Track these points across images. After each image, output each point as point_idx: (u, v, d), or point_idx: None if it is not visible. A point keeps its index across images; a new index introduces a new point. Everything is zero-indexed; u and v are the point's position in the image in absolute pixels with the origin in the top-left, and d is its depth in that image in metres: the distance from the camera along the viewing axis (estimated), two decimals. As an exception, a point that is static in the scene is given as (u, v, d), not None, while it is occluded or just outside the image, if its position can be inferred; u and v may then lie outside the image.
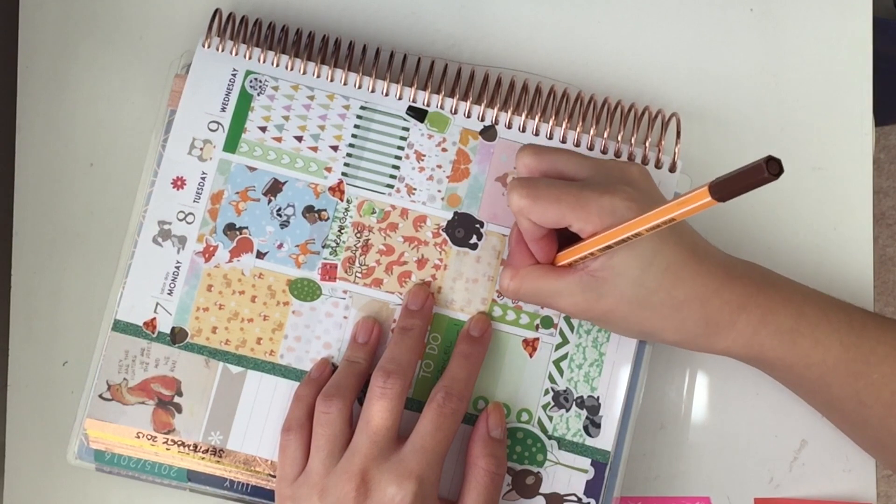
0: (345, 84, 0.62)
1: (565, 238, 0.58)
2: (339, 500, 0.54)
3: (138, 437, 0.59)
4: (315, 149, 0.61)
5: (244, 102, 0.61)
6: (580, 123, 0.63)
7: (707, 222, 0.66)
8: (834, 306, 0.59)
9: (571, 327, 0.61)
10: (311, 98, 0.62)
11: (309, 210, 0.61)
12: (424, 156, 0.62)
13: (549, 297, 0.57)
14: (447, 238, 0.61)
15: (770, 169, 0.41)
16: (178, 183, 0.61)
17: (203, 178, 0.61)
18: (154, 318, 0.60)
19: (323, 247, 0.61)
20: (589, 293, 0.56)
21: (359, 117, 0.62)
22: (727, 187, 0.43)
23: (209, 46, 0.62)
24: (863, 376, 0.57)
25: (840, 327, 0.57)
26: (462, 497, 0.57)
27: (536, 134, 0.62)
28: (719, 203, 0.44)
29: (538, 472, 0.60)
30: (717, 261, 0.57)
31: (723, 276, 0.57)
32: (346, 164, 0.62)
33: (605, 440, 0.61)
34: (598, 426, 0.61)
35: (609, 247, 0.53)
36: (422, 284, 0.61)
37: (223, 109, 0.61)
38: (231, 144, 0.61)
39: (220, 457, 0.60)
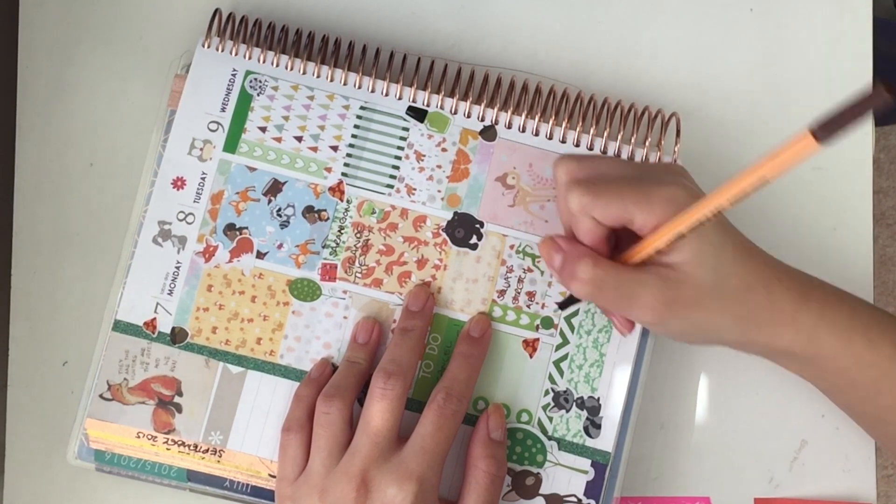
0: (344, 84, 0.62)
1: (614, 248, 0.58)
2: (339, 500, 0.54)
3: (138, 437, 0.60)
4: (315, 149, 0.61)
5: (244, 102, 0.61)
6: (580, 123, 0.63)
7: (707, 222, 0.66)
8: (880, 310, 0.58)
9: (572, 328, 0.61)
10: (311, 98, 0.62)
11: (309, 210, 0.61)
12: (424, 156, 0.62)
13: (631, 290, 0.55)
14: (447, 238, 0.61)
15: (890, 90, 0.38)
16: (179, 183, 0.61)
17: (203, 179, 0.61)
18: (154, 319, 0.60)
19: (323, 247, 0.61)
20: (670, 284, 0.54)
21: (358, 117, 0.62)
22: (832, 125, 0.40)
23: (209, 46, 0.62)
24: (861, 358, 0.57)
25: (890, 329, 0.57)
26: (462, 498, 0.57)
27: (536, 134, 0.62)
28: (820, 148, 0.40)
29: (538, 473, 0.60)
30: (767, 254, 0.58)
31: (780, 265, 0.57)
32: (346, 165, 0.62)
33: (605, 441, 0.61)
34: (598, 427, 0.61)
35: (682, 235, 0.52)
36: (422, 285, 0.61)
37: (223, 109, 0.61)
38: (231, 144, 0.61)
39: (220, 457, 0.60)
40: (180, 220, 0.61)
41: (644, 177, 0.56)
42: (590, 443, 0.60)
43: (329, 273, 0.61)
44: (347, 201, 0.61)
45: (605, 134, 0.62)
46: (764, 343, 0.57)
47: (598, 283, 0.55)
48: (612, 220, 0.55)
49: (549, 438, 0.60)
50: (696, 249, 0.54)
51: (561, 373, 0.61)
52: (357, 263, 0.61)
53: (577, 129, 0.63)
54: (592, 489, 0.60)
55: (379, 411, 0.55)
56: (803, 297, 0.56)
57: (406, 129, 0.62)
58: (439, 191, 0.62)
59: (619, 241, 0.58)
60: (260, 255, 0.61)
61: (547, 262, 0.58)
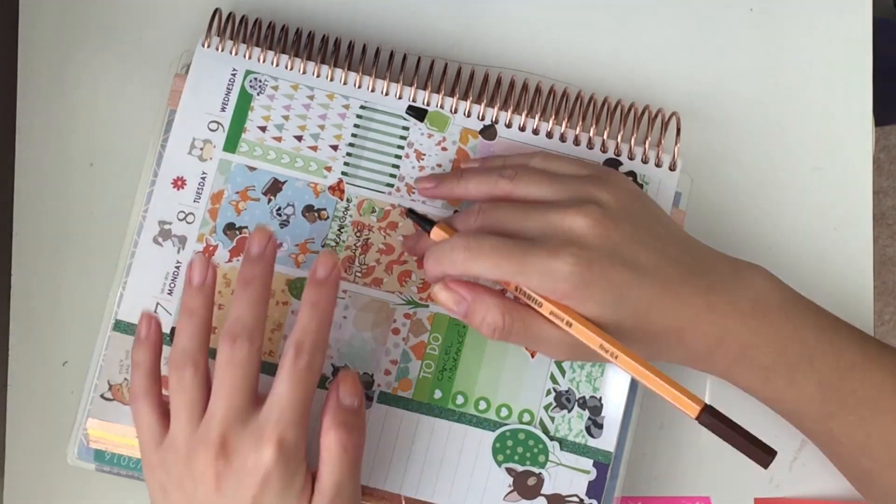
0: (344, 83, 0.62)
1: None
2: (202, 468, 0.52)
3: (139, 437, 0.59)
4: (315, 148, 0.61)
5: (244, 102, 0.61)
6: (580, 123, 0.63)
7: (706, 223, 0.66)
8: (824, 341, 0.57)
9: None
10: (311, 97, 0.62)
11: (309, 209, 0.61)
12: (424, 155, 0.62)
13: (538, 336, 0.56)
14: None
15: (761, 460, 0.49)
16: (179, 183, 0.61)
17: (203, 178, 0.61)
18: (154, 318, 0.60)
19: (323, 246, 0.61)
20: (573, 341, 0.55)
21: (358, 117, 0.62)
22: (718, 422, 0.49)
23: (209, 46, 0.62)
24: (836, 416, 0.57)
25: (822, 368, 0.56)
26: (317, 472, 0.54)
27: (536, 133, 0.62)
28: (696, 420, 0.49)
29: (540, 473, 0.60)
30: (695, 289, 0.56)
31: (700, 308, 0.55)
32: (346, 164, 0.62)
33: (607, 441, 0.61)
34: (600, 427, 0.61)
35: (568, 322, 0.54)
36: (262, 225, 0.58)
37: (223, 109, 0.61)
38: (231, 144, 0.61)
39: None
40: (180, 220, 0.61)
41: (543, 238, 0.55)
42: (592, 443, 0.60)
43: (329, 272, 0.61)
44: (347, 200, 0.61)
45: (605, 133, 0.63)
46: (694, 367, 0.58)
47: (506, 332, 0.56)
48: (489, 280, 0.56)
49: (551, 438, 0.60)
50: (592, 314, 0.54)
51: (563, 372, 0.61)
52: (357, 262, 0.61)
53: (577, 128, 0.63)
54: (594, 489, 0.60)
55: (229, 377, 0.53)
56: (720, 341, 0.56)
57: (406, 129, 0.62)
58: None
59: None
60: (260, 255, 0.61)
61: (447, 309, 0.57)
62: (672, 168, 0.62)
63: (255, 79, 0.62)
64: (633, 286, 0.54)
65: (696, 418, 0.48)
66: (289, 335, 0.54)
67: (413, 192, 0.62)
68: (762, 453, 0.51)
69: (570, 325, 0.54)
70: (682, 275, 0.56)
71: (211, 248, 0.61)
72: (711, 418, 0.48)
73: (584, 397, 0.61)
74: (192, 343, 0.54)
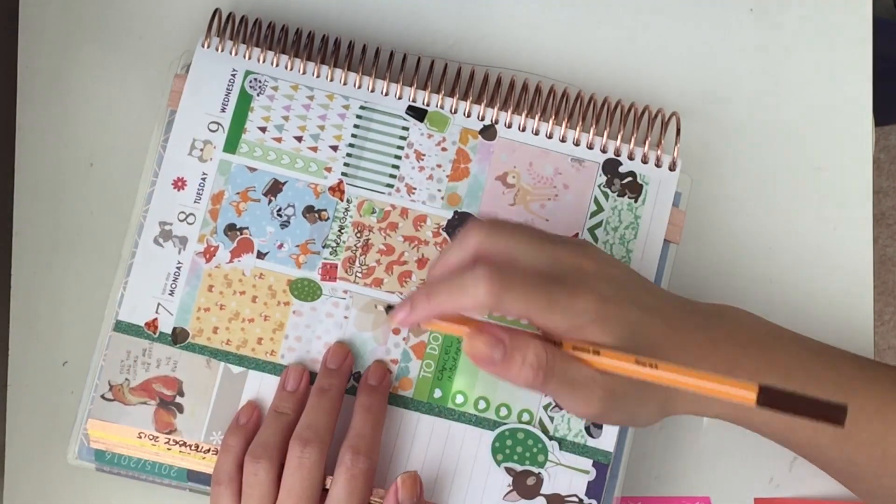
0: (344, 84, 0.62)
1: None
2: None
3: (140, 438, 0.59)
4: (315, 149, 0.62)
5: (244, 103, 0.61)
6: (580, 123, 0.63)
7: (706, 223, 0.66)
8: (824, 363, 0.57)
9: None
10: (311, 98, 0.62)
11: (309, 210, 0.61)
12: (424, 155, 0.62)
13: (574, 380, 0.52)
14: (447, 237, 0.62)
15: (840, 419, 0.43)
16: (179, 184, 0.61)
17: (203, 179, 0.61)
18: (155, 319, 0.60)
19: (323, 247, 0.61)
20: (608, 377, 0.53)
21: (358, 117, 0.62)
22: (776, 398, 0.44)
23: (209, 47, 0.62)
24: (852, 437, 0.56)
25: (828, 387, 0.56)
26: None
27: (536, 133, 0.62)
28: (755, 406, 0.45)
29: (539, 473, 0.60)
30: (695, 326, 0.56)
31: (704, 344, 0.55)
32: (346, 164, 0.62)
33: (606, 441, 0.61)
34: (599, 427, 0.61)
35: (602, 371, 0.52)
36: (341, 343, 0.61)
37: (223, 110, 0.61)
38: (231, 145, 0.61)
39: (221, 457, 0.60)
40: (181, 221, 0.61)
41: (557, 276, 0.52)
42: (591, 442, 0.60)
43: (329, 273, 0.61)
44: (347, 201, 0.61)
45: (606, 133, 0.63)
46: (697, 413, 0.57)
47: (548, 370, 0.51)
48: (513, 317, 0.55)
49: (551, 438, 0.60)
50: (616, 335, 0.52)
51: (562, 372, 0.61)
52: (357, 263, 0.61)
53: (578, 128, 0.63)
54: (594, 489, 0.60)
55: (298, 480, 0.56)
56: (729, 375, 0.55)
57: (406, 129, 0.62)
58: (439, 190, 0.62)
59: None
60: (260, 256, 0.61)
61: (478, 358, 0.51)
62: (672, 168, 0.62)
63: (255, 79, 0.62)
64: (643, 323, 0.53)
65: (757, 403, 0.45)
66: (344, 440, 0.57)
67: (413, 193, 0.62)
68: (834, 411, 0.46)
69: (597, 353, 0.51)
70: (680, 315, 0.56)
71: (212, 249, 0.61)
72: (771, 398, 0.45)
73: (584, 397, 0.61)
74: (275, 439, 0.57)
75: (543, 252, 0.53)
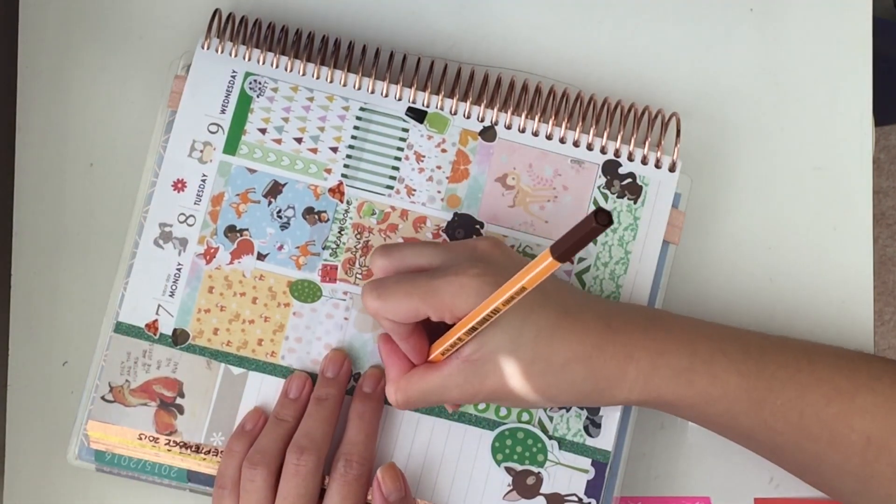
0: (344, 85, 0.62)
1: (439, 331, 0.57)
2: None
3: (140, 439, 0.60)
4: (315, 150, 0.62)
5: (244, 104, 0.61)
6: (580, 123, 0.63)
7: (706, 223, 0.66)
8: (728, 337, 0.58)
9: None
10: (311, 99, 0.62)
11: (309, 212, 0.61)
12: (424, 157, 0.62)
13: (438, 395, 0.57)
14: (447, 239, 0.62)
15: (599, 220, 0.42)
16: (179, 185, 0.61)
17: (203, 181, 0.61)
18: (156, 320, 0.60)
19: (323, 248, 0.61)
20: (472, 378, 0.55)
21: (358, 118, 0.62)
22: (563, 245, 0.44)
23: (209, 48, 0.62)
24: (767, 403, 0.56)
25: (736, 357, 0.56)
26: None
27: (536, 134, 0.62)
28: (560, 264, 0.45)
29: (539, 473, 0.60)
30: (594, 314, 0.57)
31: (602, 330, 0.56)
32: (346, 166, 0.62)
33: (605, 440, 0.61)
34: (598, 426, 0.61)
35: (474, 328, 0.53)
36: (339, 350, 0.61)
37: (223, 111, 0.61)
38: (231, 146, 0.61)
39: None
40: (181, 223, 0.61)
41: (443, 267, 0.55)
42: (590, 442, 0.61)
43: (329, 274, 0.61)
44: (347, 202, 0.61)
45: (605, 134, 0.63)
46: (604, 402, 0.58)
47: (404, 404, 0.58)
48: (406, 319, 0.55)
49: (550, 438, 0.61)
50: (492, 340, 0.54)
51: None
52: (357, 265, 0.61)
53: (577, 129, 0.63)
54: (593, 488, 0.60)
55: (293, 487, 0.56)
56: (629, 357, 0.56)
57: (406, 130, 0.62)
58: (439, 191, 0.62)
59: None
60: (260, 257, 0.61)
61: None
62: (672, 169, 0.62)
63: (255, 80, 0.62)
64: (535, 309, 0.55)
65: (554, 258, 0.45)
66: (338, 448, 0.59)
67: (413, 194, 0.62)
68: (599, 216, 0.42)
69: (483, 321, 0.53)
70: (578, 302, 0.57)
71: (212, 250, 0.61)
72: (562, 248, 0.45)
73: (583, 398, 0.61)
74: (273, 446, 0.58)
75: (436, 251, 0.57)
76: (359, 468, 0.58)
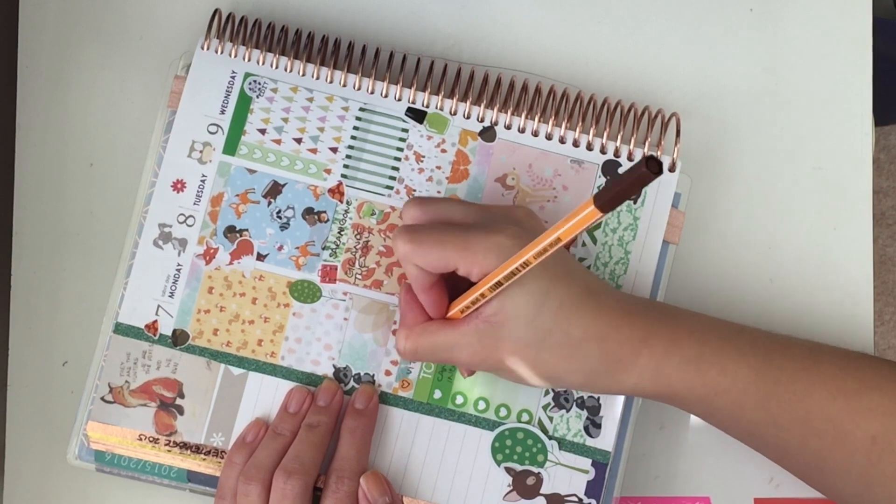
0: (344, 85, 0.62)
1: (458, 291, 0.57)
2: None
3: (140, 440, 0.60)
4: (314, 150, 0.62)
5: (243, 104, 0.61)
6: (580, 123, 0.63)
7: (706, 223, 0.66)
8: (737, 331, 0.58)
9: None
10: (310, 100, 0.62)
11: (309, 212, 0.61)
12: (424, 157, 0.62)
13: (448, 352, 0.57)
14: (447, 239, 0.61)
15: (650, 167, 0.40)
16: (179, 186, 0.61)
17: (203, 181, 0.61)
18: (155, 321, 0.60)
19: (323, 248, 0.61)
20: (486, 340, 0.55)
21: (358, 119, 0.62)
22: (608, 194, 0.43)
23: (208, 48, 0.62)
24: (774, 396, 0.56)
25: (745, 350, 0.57)
26: None
27: (536, 134, 0.62)
28: (603, 215, 0.44)
29: (539, 473, 0.60)
30: (613, 299, 0.57)
31: (621, 313, 0.56)
32: (346, 166, 0.62)
33: (605, 440, 0.61)
34: (598, 426, 0.61)
35: (499, 283, 0.52)
36: (331, 380, 0.61)
37: (222, 112, 0.61)
38: (230, 147, 0.61)
39: (222, 458, 0.60)
40: (181, 223, 0.61)
41: (478, 224, 0.56)
42: (590, 442, 0.61)
43: (329, 275, 0.61)
44: (347, 203, 0.61)
45: (605, 134, 0.63)
46: (611, 387, 0.57)
47: (411, 353, 0.58)
48: (434, 268, 0.55)
49: (550, 438, 0.61)
50: (515, 303, 0.54)
51: (561, 374, 0.61)
52: (357, 265, 0.61)
53: (577, 129, 0.63)
54: (593, 489, 0.60)
55: None
56: (643, 341, 0.56)
57: (405, 131, 0.62)
58: (439, 192, 0.62)
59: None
60: (260, 257, 0.61)
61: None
62: (672, 169, 0.62)
63: (255, 81, 0.62)
64: (559, 282, 0.55)
65: (598, 207, 0.44)
66: (330, 464, 0.59)
67: (413, 195, 0.62)
68: (650, 164, 0.41)
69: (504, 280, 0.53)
70: (599, 284, 0.58)
71: (211, 251, 0.61)
72: (605, 197, 0.43)
73: (582, 397, 0.61)
74: (268, 461, 0.58)
75: (474, 209, 0.57)
76: (350, 484, 0.58)
